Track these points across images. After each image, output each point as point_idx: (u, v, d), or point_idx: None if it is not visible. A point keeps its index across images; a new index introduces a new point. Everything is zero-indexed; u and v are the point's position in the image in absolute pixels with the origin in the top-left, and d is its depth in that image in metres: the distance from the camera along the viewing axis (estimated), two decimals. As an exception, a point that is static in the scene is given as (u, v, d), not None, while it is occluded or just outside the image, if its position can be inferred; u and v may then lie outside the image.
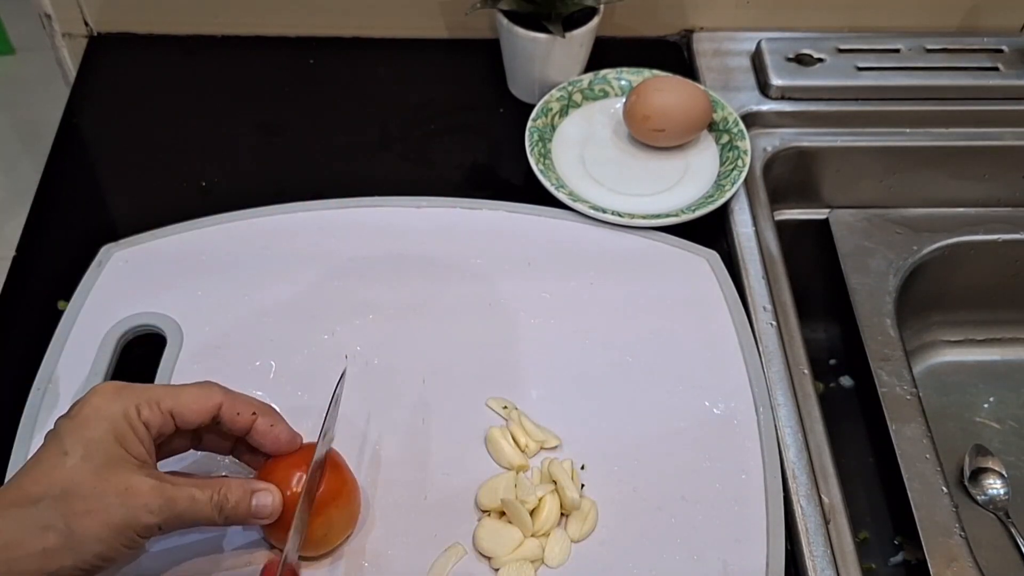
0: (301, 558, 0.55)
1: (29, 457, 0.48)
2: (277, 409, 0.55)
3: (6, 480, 0.48)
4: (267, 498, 0.51)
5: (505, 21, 0.79)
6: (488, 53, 0.87)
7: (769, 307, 0.71)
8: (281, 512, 0.52)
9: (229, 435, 0.54)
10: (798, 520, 0.60)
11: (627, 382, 0.66)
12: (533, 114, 0.80)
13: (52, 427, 0.49)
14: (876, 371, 0.75)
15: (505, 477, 0.60)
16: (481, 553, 0.57)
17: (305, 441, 0.56)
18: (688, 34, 0.91)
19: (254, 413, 0.53)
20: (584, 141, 0.81)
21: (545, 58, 0.80)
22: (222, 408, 0.51)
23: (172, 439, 0.52)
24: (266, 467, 0.55)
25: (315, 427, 0.62)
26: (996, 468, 0.81)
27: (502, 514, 0.59)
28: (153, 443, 0.50)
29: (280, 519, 0.53)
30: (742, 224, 0.76)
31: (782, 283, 0.73)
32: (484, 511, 0.59)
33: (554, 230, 0.74)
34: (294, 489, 0.53)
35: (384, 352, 0.66)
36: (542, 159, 0.78)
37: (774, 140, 0.84)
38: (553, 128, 0.81)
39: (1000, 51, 0.88)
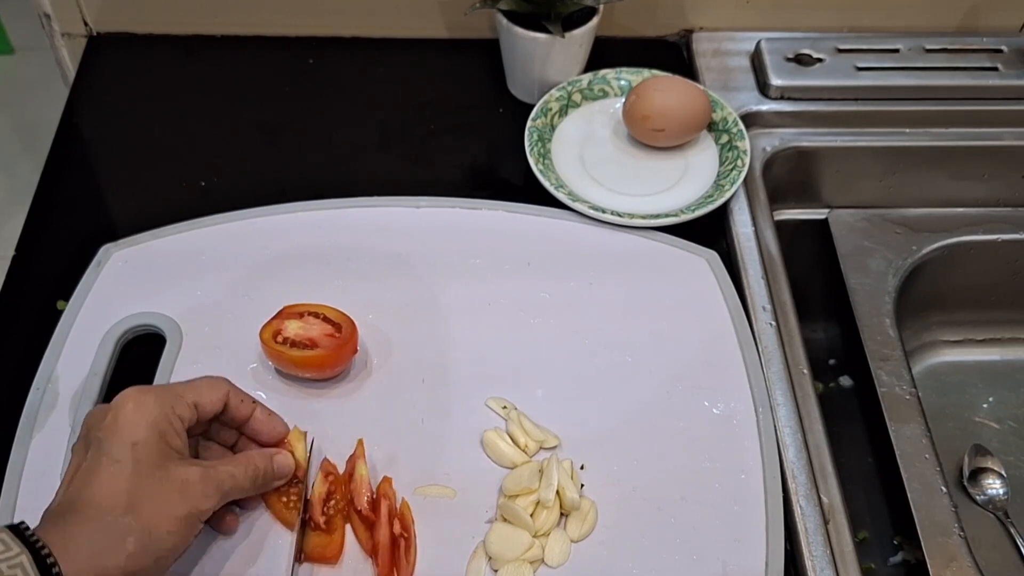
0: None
1: (71, 467, 0.51)
2: (275, 409, 0.60)
3: (60, 492, 0.51)
4: (284, 458, 0.57)
5: (505, 21, 0.79)
6: (488, 53, 0.87)
7: (768, 307, 0.71)
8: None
9: (231, 424, 0.58)
10: (797, 520, 0.60)
11: (626, 382, 0.66)
12: (532, 114, 0.80)
13: (84, 437, 0.52)
14: (875, 371, 0.75)
15: (530, 466, 0.60)
16: (489, 555, 0.57)
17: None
18: (687, 34, 0.91)
19: (254, 403, 0.58)
20: (583, 141, 0.81)
21: (544, 58, 0.80)
22: (229, 396, 0.56)
23: (191, 429, 0.55)
24: None
25: (314, 428, 0.62)
26: (995, 468, 0.81)
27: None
28: (186, 437, 0.53)
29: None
30: (741, 224, 0.76)
31: (781, 283, 0.73)
32: (509, 496, 0.59)
33: (553, 230, 0.74)
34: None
35: (383, 352, 0.66)
36: (541, 159, 0.78)
37: (773, 140, 0.84)
38: (552, 128, 0.81)
39: (999, 51, 0.88)
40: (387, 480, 0.59)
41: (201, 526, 0.52)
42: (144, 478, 0.49)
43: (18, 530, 0.46)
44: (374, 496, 0.59)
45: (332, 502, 0.58)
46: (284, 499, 0.58)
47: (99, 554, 0.47)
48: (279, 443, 0.59)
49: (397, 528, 0.57)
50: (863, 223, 0.86)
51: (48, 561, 0.45)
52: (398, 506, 0.59)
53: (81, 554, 0.46)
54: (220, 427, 0.58)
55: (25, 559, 0.44)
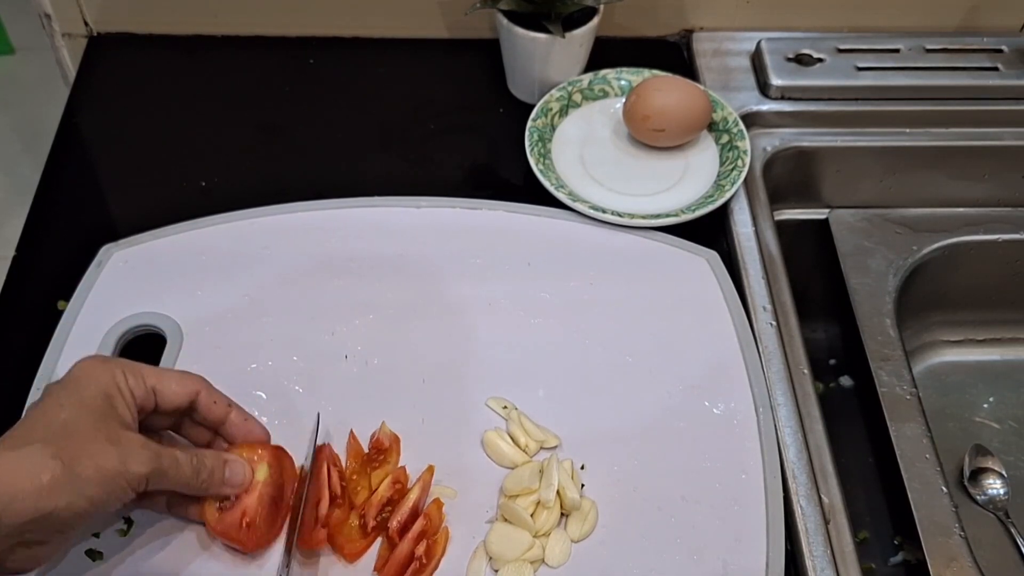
0: None
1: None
2: (275, 409, 0.59)
3: None
4: (239, 468, 0.55)
5: (505, 21, 0.79)
6: (488, 53, 0.87)
7: (769, 307, 0.71)
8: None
9: (205, 424, 0.57)
10: (798, 520, 0.60)
11: (627, 382, 0.66)
12: (533, 114, 0.80)
13: (41, 394, 0.51)
14: (876, 371, 0.75)
15: (530, 466, 0.60)
16: (489, 555, 0.57)
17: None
18: (688, 34, 0.91)
19: (229, 405, 0.56)
20: (584, 141, 0.81)
21: (545, 58, 0.80)
22: (200, 396, 0.55)
23: (151, 418, 0.54)
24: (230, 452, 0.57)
25: (311, 427, 0.62)
26: (996, 468, 0.81)
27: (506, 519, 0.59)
28: (136, 413, 0.52)
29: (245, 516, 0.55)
30: (742, 224, 0.76)
31: (782, 283, 0.73)
32: (510, 496, 0.59)
33: (554, 230, 0.74)
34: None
35: (384, 352, 0.66)
36: (542, 159, 0.78)
37: (774, 140, 0.84)
38: (553, 128, 0.81)
39: (1000, 51, 0.88)
40: (438, 504, 0.58)
41: (130, 495, 0.49)
42: (81, 422, 0.48)
43: None
44: (416, 516, 0.57)
45: (387, 511, 0.58)
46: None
47: (12, 477, 0.45)
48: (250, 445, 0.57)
49: (420, 550, 0.56)
50: (863, 223, 0.86)
51: None
52: (437, 533, 0.58)
53: None
54: (193, 425, 0.57)
55: None
